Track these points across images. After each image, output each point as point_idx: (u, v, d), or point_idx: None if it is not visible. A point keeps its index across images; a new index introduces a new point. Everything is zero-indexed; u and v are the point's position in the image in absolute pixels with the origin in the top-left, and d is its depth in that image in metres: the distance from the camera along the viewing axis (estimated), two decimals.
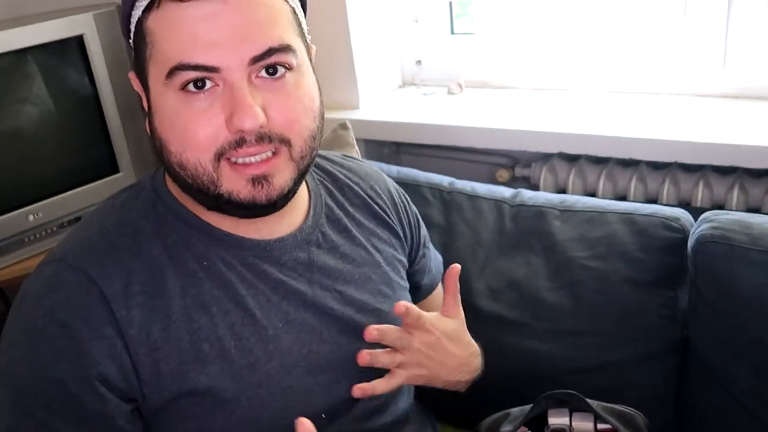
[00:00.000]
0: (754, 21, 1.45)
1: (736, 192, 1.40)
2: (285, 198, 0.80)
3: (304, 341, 0.86)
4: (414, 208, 1.08)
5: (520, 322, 1.23)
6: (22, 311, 0.79)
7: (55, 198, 1.56)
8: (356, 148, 1.42)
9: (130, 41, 0.81)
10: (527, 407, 1.01)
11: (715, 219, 1.15)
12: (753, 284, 1.09)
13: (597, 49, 1.63)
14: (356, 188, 0.99)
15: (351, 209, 0.96)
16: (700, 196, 1.43)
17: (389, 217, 1.00)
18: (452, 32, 1.80)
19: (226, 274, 0.82)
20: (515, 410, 1.03)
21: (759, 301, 1.08)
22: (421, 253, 1.07)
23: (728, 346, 1.12)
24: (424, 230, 1.09)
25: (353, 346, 0.87)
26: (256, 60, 0.74)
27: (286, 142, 0.77)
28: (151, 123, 0.80)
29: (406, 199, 1.07)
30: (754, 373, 1.10)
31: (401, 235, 1.02)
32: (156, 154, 0.81)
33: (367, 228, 0.97)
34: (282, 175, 0.78)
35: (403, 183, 1.39)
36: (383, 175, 1.07)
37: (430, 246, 1.13)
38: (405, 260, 1.02)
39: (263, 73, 0.76)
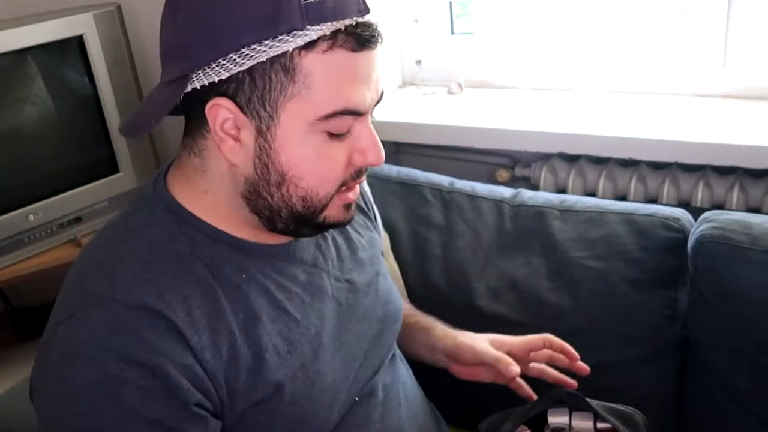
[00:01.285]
0: (754, 21, 1.45)
1: (736, 192, 1.40)
2: None
3: (336, 334, 0.89)
4: (366, 186, 1.10)
5: (520, 322, 1.23)
6: (79, 366, 0.72)
7: (55, 198, 1.56)
8: None
9: (231, 65, 0.73)
10: (527, 407, 1.01)
11: (715, 219, 1.16)
12: (753, 284, 1.09)
13: (597, 49, 1.63)
14: None
15: None
16: (700, 196, 1.43)
17: (359, 201, 1.04)
18: (452, 32, 1.80)
19: (264, 283, 0.83)
20: (515, 410, 1.03)
21: (759, 301, 1.08)
22: (379, 224, 1.11)
23: (728, 346, 1.12)
24: (374, 206, 1.12)
25: (370, 331, 0.94)
26: (377, 102, 0.81)
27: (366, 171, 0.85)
28: (268, 156, 0.77)
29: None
30: (754, 373, 1.10)
31: (370, 216, 1.06)
32: (256, 183, 0.79)
33: None
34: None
35: (403, 183, 1.40)
36: None
37: None
38: (379, 239, 1.07)
39: None
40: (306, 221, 0.82)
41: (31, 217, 1.52)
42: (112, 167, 1.63)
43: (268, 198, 0.80)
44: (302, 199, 0.80)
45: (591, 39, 1.63)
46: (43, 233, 1.56)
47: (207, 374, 0.75)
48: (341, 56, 0.75)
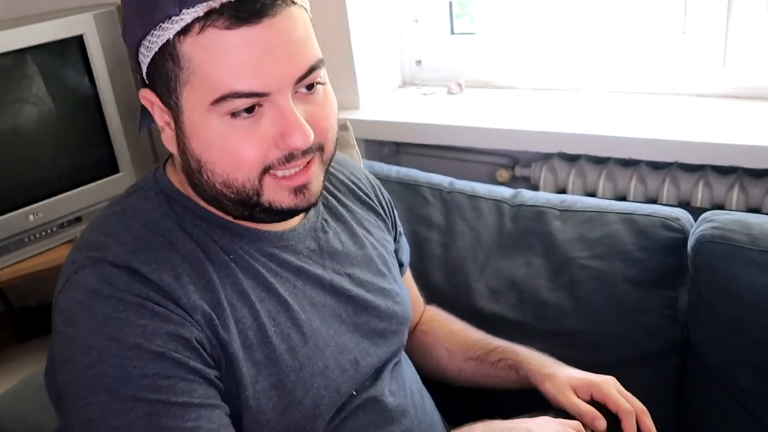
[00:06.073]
0: (754, 21, 1.45)
1: (736, 192, 1.40)
2: (319, 199, 0.85)
3: (330, 323, 0.89)
4: (385, 191, 1.10)
5: (520, 322, 1.23)
6: (79, 319, 0.75)
7: (55, 198, 1.55)
8: (356, 148, 1.42)
9: (143, 58, 0.77)
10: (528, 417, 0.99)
11: (715, 219, 1.16)
12: (753, 284, 1.09)
13: (597, 49, 1.63)
14: (340, 176, 1.03)
15: (341, 197, 1.00)
16: (700, 196, 1.43)
17: (372, 201, 1.04)
18: (452, 32, 1.80)
19: (253, 265, 0.84)
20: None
21: (759, 301, 1.08)
22: (399, 231, 1.11)
23: (728, 346, 1.12)
24: (395, 212, 1.12)
25: (368, 325, 0.93)
26: (299, 80, 0.76)
27: (321, 149, 0.81)
28: (184, 144, 0.79)
29: (378, 183, 1.11)
30: (754, 373, 1.10)
31: (383, 216, 1.06)
32: (189, 171, 0.81)
33: (358, 213, 1.01)
34: (317, 180, 0.83)
35: (403, 183, 1.40)
36: (356, 162, 1.11)
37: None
38: (392, 241, 1.06)
39: (302, 89, 0.78)
40: (251, 206, 0.80)
41: (31, 217, 1.52)
42: (112, 167, 1.63)
43: (200, 185, 0.81)
44: (224, 185, 0.78)
45: (591, 39, 1.63)
46: (43, 233, 1.56)
47: (201, 328, 0.77)
48: (215, 35, 0.72)
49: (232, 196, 0.79)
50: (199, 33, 0.72)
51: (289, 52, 0.74)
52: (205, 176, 0.79)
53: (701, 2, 1.48)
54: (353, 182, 1.03)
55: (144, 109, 0.84)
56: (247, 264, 0.84)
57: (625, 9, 1.60)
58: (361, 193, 1.03)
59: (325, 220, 0.95)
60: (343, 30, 1.63)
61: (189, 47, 0.73)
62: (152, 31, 0.74)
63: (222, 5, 0.71)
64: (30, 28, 1.48)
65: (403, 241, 1.13)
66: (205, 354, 0.77)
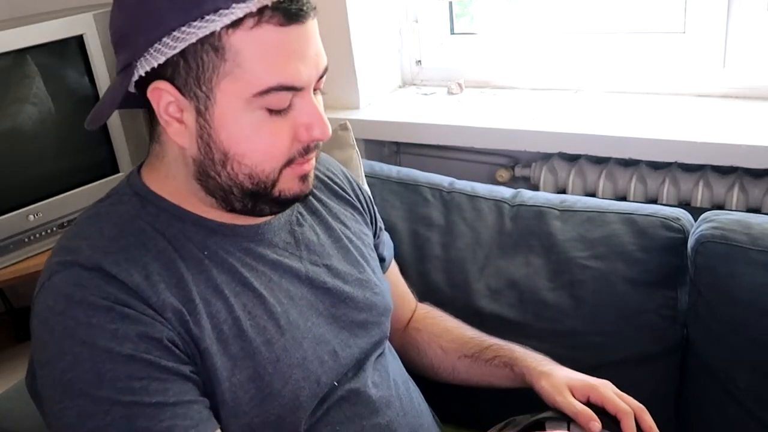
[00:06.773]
0: (754, 21, 1.45)
1: (736, 192, 1.40)
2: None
3: (307, 315, 0.90)
4: (366, 187, 1.12)
5: (520, 322, 1.23)
6: (53, 324, 0.76)
7: (55, 198, 1.56)
8: (356, 149, 1.42)
9: (164, 48, 0.76)
10: (529, 416, 0.99)
11: (715, 219, 1.16)
12: (753, 284, 1.09)
13: (597, 49, 1.63)
14: (315, 172, 1.03)
15: (316, 192, 1.02)
16: (700, 196, 1.43)
17: (348, 195, 1.06)
18: (452, 32, 1.80)
19: (227, 260, 0.86)
20: (519, 418, 1.02)
21: (759, 301, 1.08)
22: (379, 226, 1.12)
23: (728, 346, 1.12)
24: (375, 207, 1.14)
25: (347, 317, 0.94)
26: (319, 78, 0.82)
27: (318, 146, 0.86)
28: (209, 135, 0.79)
29: (355, 178, 1.12)
30: (754, 373, 1.10)
31: (361, 210, 1.07)
32: (206, 163, 0.81)
33: (334, 207, 1.02)
34: (312, 172, 0.88)
35: (403, 183, 1.40)
36: (332, 158, 1.12)
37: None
38: (370, 234, 1.08)
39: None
40: (260, 198, 0.83)
41: (31, 217, 1.53)
42: (112, 167, 1.63)
43: (217, 177, 0.82)
44: (248, 177, 0.81)
45: (591, 39, 1.63)
46: (43, 233, 1.56)
47: (172, 326, 0.78)
48: (269, 32, 0.75)
49: (250, 187, 0.82)
50: (252, 27, 0.75)
51: (318, 51, 0.80)
52: (228, 167, 0.81)
53: (701, 2, 1.48)
54: (329, 177, 1.05)
55: (107, 102, 0.83)
56: (221, 259, 0.85)
57: (625, 9, 1.60)
58: (336, 188, 1.05)
59: (300, 214, 0.97)
60: (343, 30, 1.63)
61: (238, 40, 0.75)
62: (191, 23, 0.75)
63: (275, 3, 0.75)
64: (30, 28, 1.48)
65: (385, 237, 1.14)
66: (178, 351, 0.78)
